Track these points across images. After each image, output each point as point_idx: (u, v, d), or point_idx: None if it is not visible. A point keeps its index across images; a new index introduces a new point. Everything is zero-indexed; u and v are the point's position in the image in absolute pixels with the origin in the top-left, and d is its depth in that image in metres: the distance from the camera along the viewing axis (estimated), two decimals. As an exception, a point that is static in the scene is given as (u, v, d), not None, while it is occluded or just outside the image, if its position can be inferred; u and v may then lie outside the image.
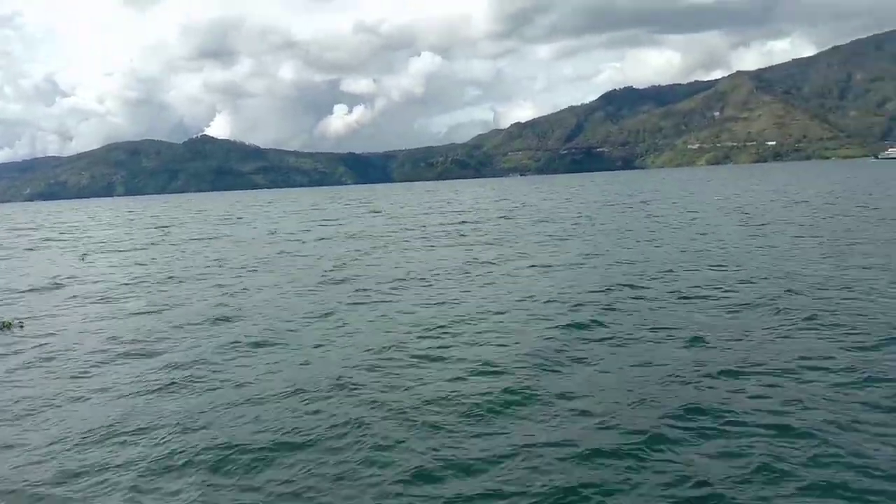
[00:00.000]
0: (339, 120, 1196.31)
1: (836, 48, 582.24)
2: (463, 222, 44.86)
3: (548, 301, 16.05)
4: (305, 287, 20.00)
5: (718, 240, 26.79)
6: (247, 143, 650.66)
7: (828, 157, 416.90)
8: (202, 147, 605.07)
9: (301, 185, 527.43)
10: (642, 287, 17.25)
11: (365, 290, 18.89)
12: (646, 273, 19.39)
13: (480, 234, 35.62)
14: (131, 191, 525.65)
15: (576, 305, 15.33)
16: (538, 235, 32.89)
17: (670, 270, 19.57)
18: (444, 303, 16.54)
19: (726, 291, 16.15)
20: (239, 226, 55.48)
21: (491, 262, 23.45)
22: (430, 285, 19.32)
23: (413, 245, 31.31)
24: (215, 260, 29.10)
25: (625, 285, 17.56)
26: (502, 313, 15.00)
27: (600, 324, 13.38)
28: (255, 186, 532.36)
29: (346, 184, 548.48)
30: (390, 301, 17.13)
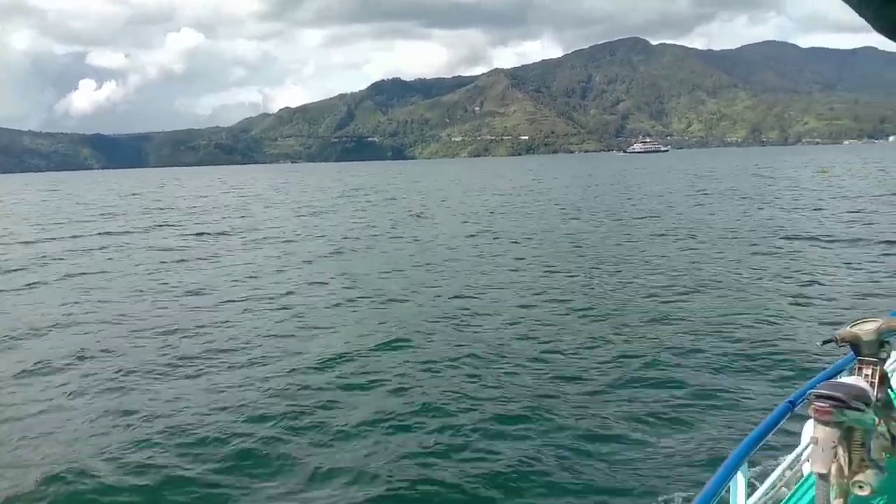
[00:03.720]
0: (86, 97, 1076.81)
1: (579, 51, 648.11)
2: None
3: None
4: None
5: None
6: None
7: (572, 151, 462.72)
8: None
9: (39, 170, 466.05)
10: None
11: None
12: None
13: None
14: None
15: None
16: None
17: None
18: None
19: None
20: None
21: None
22: None
23: None
24: None
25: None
26: None
27: None
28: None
29: (92, 168, 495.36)
30: None
